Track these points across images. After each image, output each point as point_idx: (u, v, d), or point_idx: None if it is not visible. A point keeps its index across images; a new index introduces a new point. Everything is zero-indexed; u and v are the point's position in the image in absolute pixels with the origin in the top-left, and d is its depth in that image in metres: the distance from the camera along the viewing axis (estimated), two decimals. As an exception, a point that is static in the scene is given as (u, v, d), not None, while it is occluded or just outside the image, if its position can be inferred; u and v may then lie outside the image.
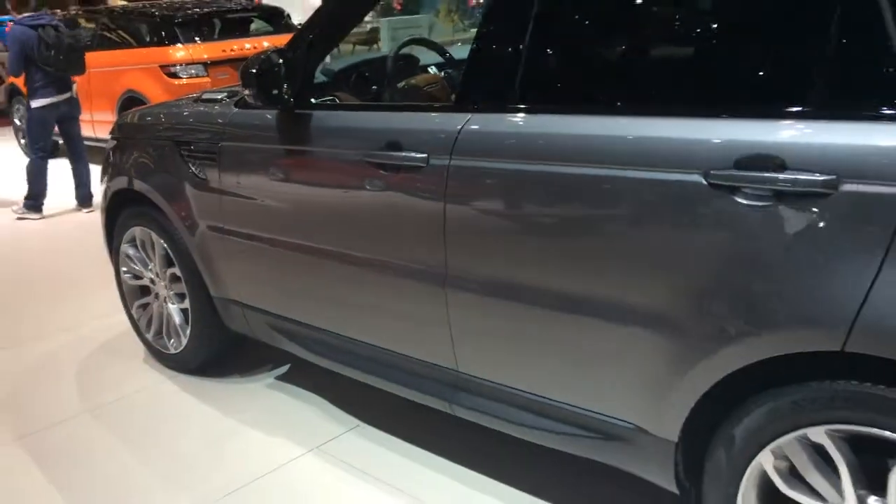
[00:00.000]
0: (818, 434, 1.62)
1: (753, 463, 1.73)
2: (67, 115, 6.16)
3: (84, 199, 6.35)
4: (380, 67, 3.01)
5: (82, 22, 8.85)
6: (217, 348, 3.31)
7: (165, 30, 7.38)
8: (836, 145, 1.51)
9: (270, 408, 3.09)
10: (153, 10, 7.86)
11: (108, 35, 8.03)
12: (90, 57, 7.99)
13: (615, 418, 1.96)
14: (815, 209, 1.53)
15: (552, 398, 2.08)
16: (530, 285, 2.00)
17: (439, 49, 3.28)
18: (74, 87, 6.15)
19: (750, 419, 1.70)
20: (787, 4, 1.67)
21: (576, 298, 1.91)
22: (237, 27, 8.12)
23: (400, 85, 2.85)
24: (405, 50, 3.22)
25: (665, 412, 1.84)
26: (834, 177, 1.50)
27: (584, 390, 2.01)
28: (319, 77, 2.88)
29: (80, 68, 6.03)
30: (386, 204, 2.29)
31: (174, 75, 7.05)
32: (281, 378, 3.33)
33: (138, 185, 3.18)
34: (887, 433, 1.52)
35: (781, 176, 1.56)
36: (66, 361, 3.62)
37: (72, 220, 6.25)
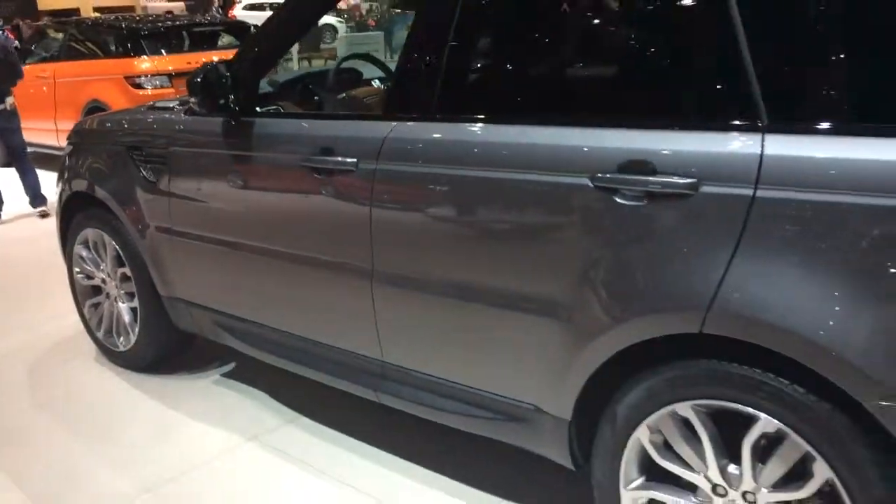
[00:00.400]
0: (685, 409, 1.82)
1: (633, 437, 1.92)
2: (3, 127, 6.29)
3: (35, 199, 6.45)
4: (323, 80, 3.20)
5: (51, 32, 8.97)
6: (165, 346, 3.45)
7: (131, 41, 7.52)
8: (697, 152, 1.73)
9: (215, 402, 3.24)
10: (120, 23, 8.01)
11: (76, 46, 8.14)
12: (56, 67, 8.13)
13: (516, 400, 2.15)
14: (678, 208, 1.74)
15: (462, 383, 2.26)
16: (441, 279, 2.19)
17: (381, 64, 3.48)
18: (9, 99, 6.24)
19: (630, 397, 1.90)
20: (658, 35, 1.90)
21: (480, 290, 2.11)
22: (205, 41, 8.28)
23: (340, 96, 3.04)
24: (351, 64, 3.42)
25: (558, 393, 2.03)
26: (695, 180, 1.71)
27: (490, 375, 2.20)
28: (265, 88, 3.06)
29: (7, 82, 6.13)
30: (320, 205, 2.47)
31: (139, 86, 7.19)
32: (227, 375, 3.48)
33: (91, 188, 3.33)
34: (740, 407, 1.72)
35: (653, 179, 1.77)
36: (20, 359, 3.74)
37: (30, 225, 6.35)
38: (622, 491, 1.98)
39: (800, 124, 1.63)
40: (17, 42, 10.76)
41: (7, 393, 3.41)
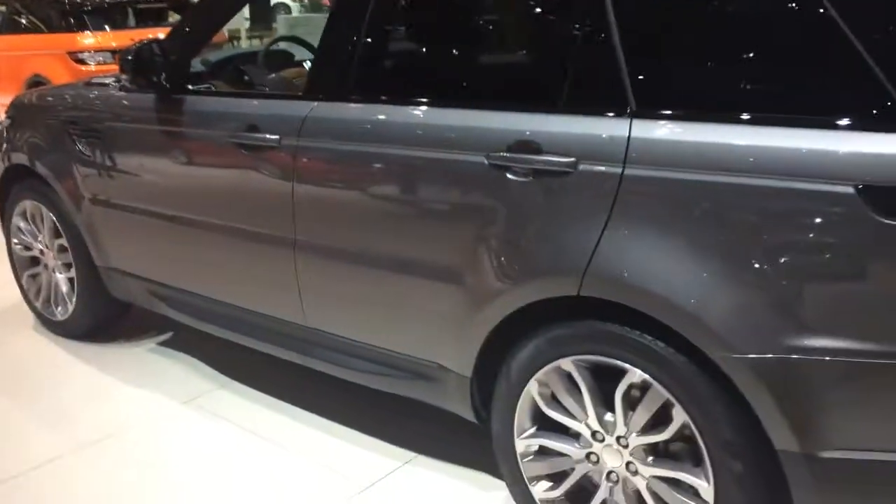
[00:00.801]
0: (568, 364, 2.03)
1: (525, 391, 2.13)
2: None
3: None
4: (254, 60, 3.34)
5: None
6: (102, 315, 3.56)
7: (74, 17, 7.50)
8: (576, 134, 1.93)
9: (150, 368, 3.38)
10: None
11: (19, 20, 8.07)
12: (-2, 40, 8.05)
13: (424, 359, 2.34)
14: (560, 184, 1.94)
15: (376, 345, 2.45)
16: (355, 248, 2.37)
17: (310, 47, 3.63)
18: None
19: (521, 355, 2.10)
20: (543, 29, 2.10)
21: (390, 258, 2.29)
22: (151, 17, 8.28)
23: (269, 77, 3.19)
24: (284, 45, 3.57)
25: (460, 352, 2.23)
26: (574, 159, 1.92)
27: (400, 337, 2.39)
28: (199, 67, 3.19)
29: None
30: (246, 179, 2.62)
31: (81, 61, 7.18)
32: (162, 343, 3.61)
33: (30, 161, 3.42)
34: (613, 361, 1.94)
35: (538, 157, 1.97)
36: (-44, 328, 3.82)
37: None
38: (516, 440, 2.19)
39: (663, 111, 1.84)
40: None
41: (-56, 360, 3.50)
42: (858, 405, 1.67)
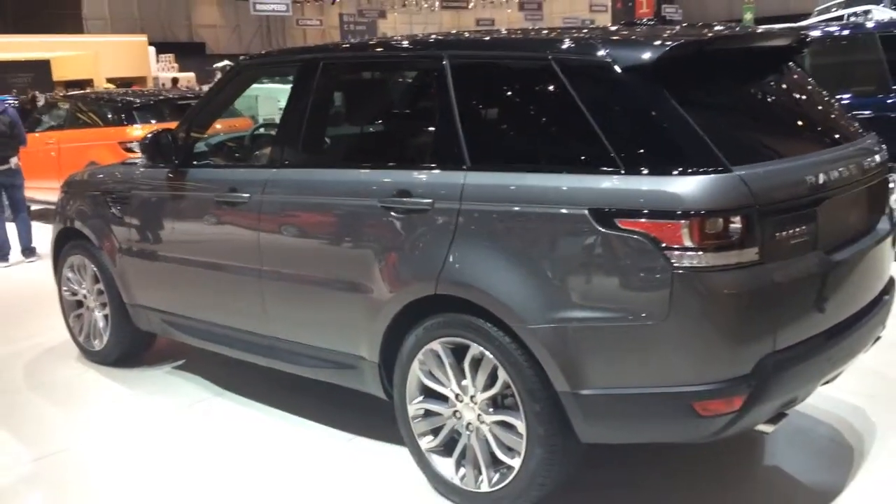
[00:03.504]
0: (436, 346, 2.86)
1: (412, 368, 2.95)
2: (7, 183, 7.54)
3: (25, 251, 7.58)
4: (241, 141, 4.38)
5: (60, 103, 10.24)
6: (130, 344, 4.48)
7: (125, 112, 8.78)
8: (433, 183, 2.82)
9: (163, 384, 4.28)
10: (116, 96, 9.27)
11: (79, 115, 9.40)
12: (61, 135, 9.37)
13: (348, 353, 3.19)
14: (423, 218, 2.82)
15: (316, 345, 3.31)
16: (298, 273, 3.28)
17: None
18: (14, 160, 7.46)
19: (408, 342, 2.93)
20: (410, 109, 3.04)
21: (319, 278, 3.19)
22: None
23: (251, 152, 4.19)
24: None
25: (370, 345, 3.07)
26: (431, 200, 2.80)
27: (332, 337, 3.25)
28: (201, 147, 4.18)
29: (8, 151, 7.40)
30: (228, 227, 3.56)
31: (129, 150, 8.38)
32: (177, 367, 4.51)
33: (77, 224, 4.43)
34: (462, 340, 2.76)
35: (409, 200, 2.86)
36: (22, 359, 4.79)
37: (31, 267, 7.47)
38: (408, 406, 3.00)
39: (485, 164, 2.73)
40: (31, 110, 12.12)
41: (11, 380, 4.45)
42: (600, 354, 2.47)
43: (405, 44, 3.31)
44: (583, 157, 2.54)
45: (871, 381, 3.71)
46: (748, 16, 24.02)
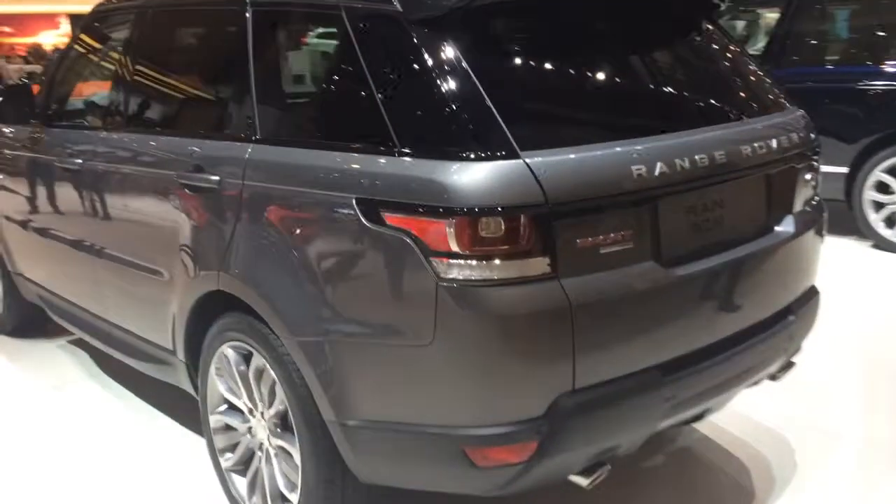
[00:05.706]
0: (227, 350, 2.42)
1: (209, 375, 2.53)
2: None
3: None
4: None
5: None
6: (24, 314, 4.20)
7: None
8: (220, 157, 2.36)
9: (50, 358, 4.00)
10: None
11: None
12: None
13: (162, 346, 2.78)
14: (211, 198, 2.37)
15: (138, 334, 2.94)
16: (115, 253, 2.91)
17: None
18: None
19: (205, 342, 2.51)
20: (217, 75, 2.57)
21: (128, 261, 2.82)
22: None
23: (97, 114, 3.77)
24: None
25: (175, 340, 2.66)
26: (219, 178, 2.34)
27: (146, 326, 2.87)
28: (73, 104, 3.79)
29: None
30: (68, 197, 3.19)
31: None
32: (72, 342, 4.23)
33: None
34: (247, 347, 2.32)
35: (199, 176, 2.40)
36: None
37: None
38: (210, 416, 2.59)
39: (272, 137, 2.24)
40: None
41: None
42: (366, 378, 1.98)
43: None
44: (364, 133, 2.02)
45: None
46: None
